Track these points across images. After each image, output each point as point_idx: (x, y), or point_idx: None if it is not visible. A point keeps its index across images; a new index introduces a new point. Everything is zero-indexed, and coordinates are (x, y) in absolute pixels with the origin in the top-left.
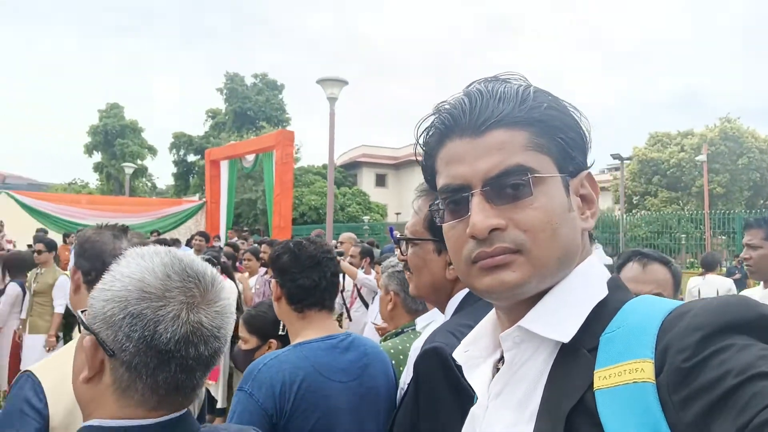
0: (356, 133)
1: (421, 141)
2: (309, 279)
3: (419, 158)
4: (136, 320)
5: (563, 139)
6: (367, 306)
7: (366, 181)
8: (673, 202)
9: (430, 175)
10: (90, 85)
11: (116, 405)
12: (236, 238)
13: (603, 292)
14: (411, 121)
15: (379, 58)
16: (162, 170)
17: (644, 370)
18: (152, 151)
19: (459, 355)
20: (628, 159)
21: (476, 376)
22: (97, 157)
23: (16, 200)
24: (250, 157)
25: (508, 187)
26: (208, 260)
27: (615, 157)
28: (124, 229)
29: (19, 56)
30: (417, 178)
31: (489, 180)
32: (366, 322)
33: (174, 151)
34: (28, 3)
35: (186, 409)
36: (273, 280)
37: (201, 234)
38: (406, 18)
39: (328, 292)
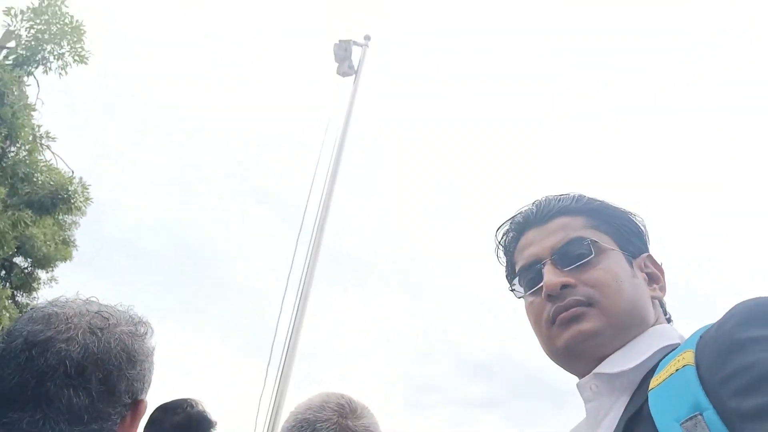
0: None
1: (502, 243)
2: None
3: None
4: (302, 422)
5: (618, 224)
6: None
7: None
8: None
9: (509, 271)
10: None
11: None
12: None
13: (675, 340)
14: None
15: None
16: None
17: (685, 357)
18: None
19: None
20: None
21: None
22: None
23: None
24: None
25: (573, 254)
26: None
27: None
28: None
29: None
30: None
31: (556, 250)
32: None
33: None
34: None
35: None
36: None
37: None
38: None
39: None
